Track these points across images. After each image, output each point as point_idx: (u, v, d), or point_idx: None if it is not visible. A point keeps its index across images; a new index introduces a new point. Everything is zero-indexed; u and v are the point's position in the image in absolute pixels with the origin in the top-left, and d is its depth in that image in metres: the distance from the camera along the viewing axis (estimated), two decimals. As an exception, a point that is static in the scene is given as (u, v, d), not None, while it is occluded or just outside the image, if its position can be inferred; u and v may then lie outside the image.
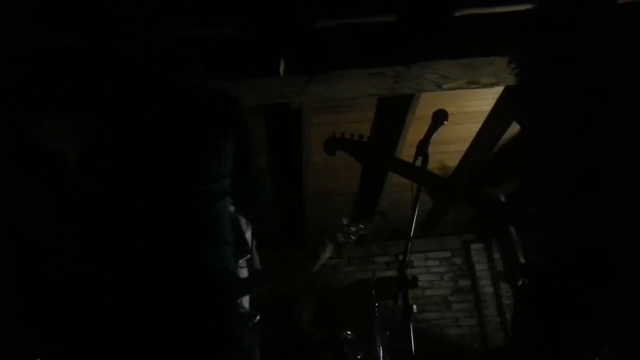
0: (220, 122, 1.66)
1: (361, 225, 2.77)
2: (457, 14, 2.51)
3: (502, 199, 5.01)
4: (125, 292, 1.44)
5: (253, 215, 1.83)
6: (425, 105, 3.14)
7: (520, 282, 5.33)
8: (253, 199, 1.84)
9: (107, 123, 1.67)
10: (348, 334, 3.90)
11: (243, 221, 2.56)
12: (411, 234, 2.01)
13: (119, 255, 1.48)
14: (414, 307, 1.93)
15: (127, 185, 1.55)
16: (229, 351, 1.49)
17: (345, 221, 2.75)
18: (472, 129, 3.84)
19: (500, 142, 3.71)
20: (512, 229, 5.39)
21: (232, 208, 1.88)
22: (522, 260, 5.34)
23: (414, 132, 3.43)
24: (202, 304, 1.47)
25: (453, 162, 4.33)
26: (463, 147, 4.11)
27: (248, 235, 2.67)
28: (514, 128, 3.56)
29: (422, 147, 2.01)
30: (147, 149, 1.57)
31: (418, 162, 2.01)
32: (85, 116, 1.75)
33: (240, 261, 2.56)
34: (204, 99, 1.73)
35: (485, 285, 5.93)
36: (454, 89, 2.72)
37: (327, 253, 2.79)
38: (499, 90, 3.35)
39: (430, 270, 6.11)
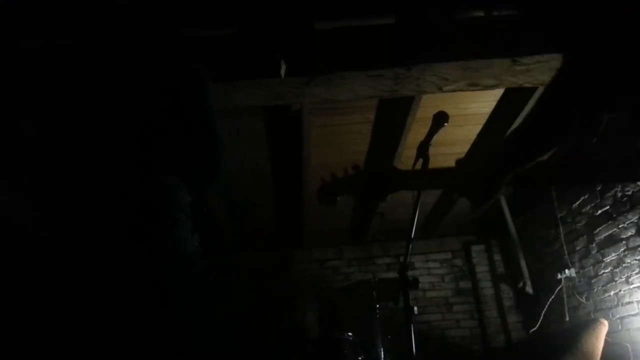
0: (172, 94, 1.60)
1: None
2: (457, 16, 2.51)
3: (503, 201, 5.00)
4: (92, 280, 1.43)
5: (198, 176, 1.68)
6: (426, 107, 3.14)
7: (520, 284, 5.34)
8: (207, 161, 1.67)
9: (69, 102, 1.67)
10: (349, 335, 3.90)
11: None
12: (412, 235, 2.01)
13: (80, 241, 1.48)
14: (415, 308, 1.93)
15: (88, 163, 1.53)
16: (201, 335, 1.46)
17: None
18: (472, 130, 3.84)
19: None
20: (513, 230, 5.40)
21: None
22: (522, 262, 5.36)
23: (415, 134, 3.43)
24: (165, 288, 1.43)
25: (453, 164, 4.32)
26: (464, 149, 4.11)
27: None
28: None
29: (423, 149, 2.02)
30: (95, 119, 1.56)
31: (419, 164, 2.01)
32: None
33: None
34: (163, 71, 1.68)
35: (486, 287, 5.93)
36: (454, 90, 2.72)
37: None
38: (499, 92, 3.35)
39: (431, 271, 6.11)
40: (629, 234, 3.75)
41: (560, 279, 4.62)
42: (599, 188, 4.07)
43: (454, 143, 3.96)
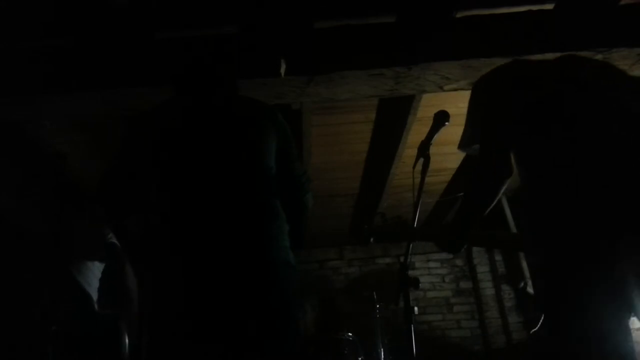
0: (261, 124, 1.76)
1: None
2: (458, 15, 2.51)
3: (504, 200, 5.02)
4: (193, 284, 1.51)
5: (295, 215, 1.87)
6: (427, 107, 3.13)
7: (521, 285, 5.32)
8: (295, 199, 1.87)
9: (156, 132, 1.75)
10: (349, 335, 3.89)
11: None
12: (412, 235, 2.00)
13: (188, 246, 1.55)
14: (415, 309, 1.92)
15: (188, 184, 1.63)
16: (294, 343, 1.56)
17: None
18: (473, 130, 3.83)
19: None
20: (514, 230, 5.38)
21: None
22: (523, 262, 5.34)
23: (416, 133, 3.42)
24: (267, 298, 1.54)
25: (454, 163, 4.32)
26: (464, 148, 4.09)
27: None
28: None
29: (424, 149, 2.01)
30: (199, 150, 1.66)
31: (419, 164, 2.01)
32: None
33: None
34: (244, 105, 1.84)
35: (487, 288, 5.91)
36: (455, 90, 2.71)
37: None
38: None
39: (431, 272, 6.10)
40: (631, 234, 3.72)
41: (562, 280, 4.60)
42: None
43: (455, 142, 3.93)
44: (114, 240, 2.70)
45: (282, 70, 2.51)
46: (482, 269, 5.98)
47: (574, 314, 1.40)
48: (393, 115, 3.48)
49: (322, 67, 2.52)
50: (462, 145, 1.84)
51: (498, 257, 5.93)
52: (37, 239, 2.65)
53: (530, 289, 5.30)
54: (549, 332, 1.51)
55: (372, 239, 2.15)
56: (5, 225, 2.62)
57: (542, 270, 1.51)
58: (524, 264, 5.34)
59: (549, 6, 2.51)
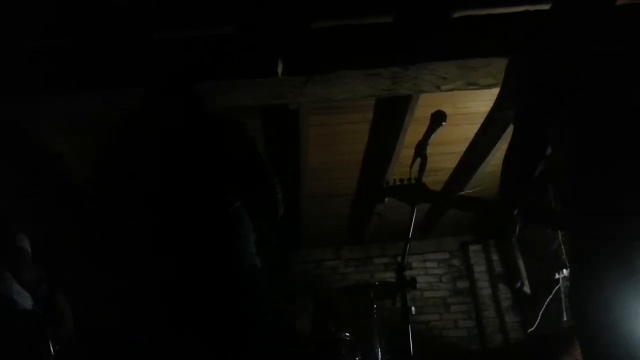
0: (223, 134, 1.82)
1: None
2: (455, 15, 2.51)
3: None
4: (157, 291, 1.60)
5: (262, 215, 1.94)
6: (424, 107, 3.14)
7: (518, 284, 5.34)
8: (261, 199, 1.90)
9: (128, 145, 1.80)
10: (346, 335, 3.89)
11: None
12: (409, 236, 2.02)
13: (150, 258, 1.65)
14: (413, 309, 1.94)
15: (151, 193, 1.69)
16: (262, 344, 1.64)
17: None
18: (470, 130, 3.84)
19: (498, 144, 3.72)
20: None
21: None
22: (520, 262, 5.36)
23: (413, 133, 3.43)
24: (232, 303, 1.61)
25: (451, 163, 4.33)
26: (461, 148, 4.11)
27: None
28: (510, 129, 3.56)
29: (421, 148, 2.02)
30: (165, 160, 1.71)
31: (416, 164, 2.02)
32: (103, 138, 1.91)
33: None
34: (207, 117, 1.89)
35: (484, 287, 5.92)
36: (452, 90, 2.72)
37: None
38: (497, 91, 3.35)
39: (428, 272, 6.10)
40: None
41: (558, 279, 4.61)
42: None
43: (452, 142, 3.96)
44: (23, 244, 2.64)
45: (279, 70, 2.52)
46: (479, 269, 5.99)
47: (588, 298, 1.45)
48: (390, 115, 3.49)
49: (320, 67, 2.52)
50: (495, 109, 1.85)
51: (495, 257, 5.94)
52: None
53: (526, 289, 5.32)
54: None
55: (386, 199, 2.11)
56: (5, 225, 2.61)
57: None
58: (521, 264, 5.37)
59: (546, 6, 2.52)
